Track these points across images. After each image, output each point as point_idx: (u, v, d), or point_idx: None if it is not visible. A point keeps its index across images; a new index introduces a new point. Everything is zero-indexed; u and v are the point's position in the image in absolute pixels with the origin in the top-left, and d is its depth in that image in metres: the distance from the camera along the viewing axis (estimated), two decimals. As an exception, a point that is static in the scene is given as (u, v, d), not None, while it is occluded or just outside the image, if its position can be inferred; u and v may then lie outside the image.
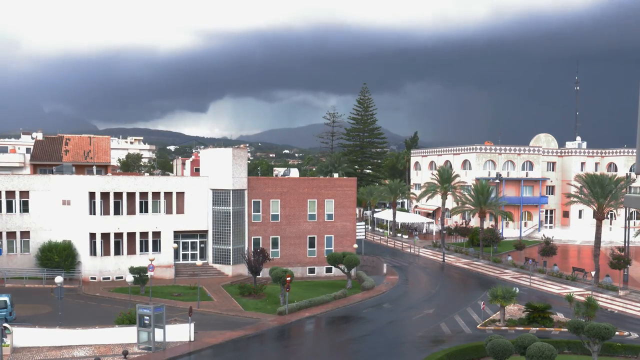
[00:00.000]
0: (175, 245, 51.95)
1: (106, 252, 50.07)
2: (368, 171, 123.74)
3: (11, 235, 49.90)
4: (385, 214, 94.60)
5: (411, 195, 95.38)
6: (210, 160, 54.09)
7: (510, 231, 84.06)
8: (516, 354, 27.05)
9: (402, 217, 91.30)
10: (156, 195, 51.85)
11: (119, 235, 50.37)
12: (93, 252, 49.89)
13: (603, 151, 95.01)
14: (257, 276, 46.76)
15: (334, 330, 38.61)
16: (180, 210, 52.45)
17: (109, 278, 49.72)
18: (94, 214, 49.84)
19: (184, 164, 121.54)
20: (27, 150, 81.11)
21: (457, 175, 77.28)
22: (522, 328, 37.49)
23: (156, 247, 51.72)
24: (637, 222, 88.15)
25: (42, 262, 48.40)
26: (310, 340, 36.96)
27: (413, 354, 32.31)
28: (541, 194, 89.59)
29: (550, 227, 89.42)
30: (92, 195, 49.75)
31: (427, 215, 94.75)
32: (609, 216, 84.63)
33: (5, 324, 30.34)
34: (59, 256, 48.26)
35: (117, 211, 50.32)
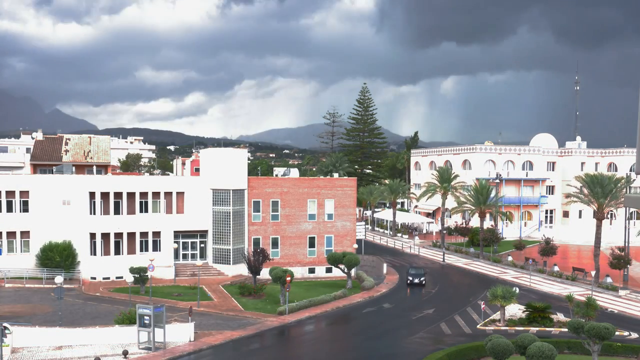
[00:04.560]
0: (175, 245, 51.95)
1: (106, 252, 50.06)
2: (368, 171, 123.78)
3: (11, 235, 49.88)
4: (385, 214, 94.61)
5: (411, 195, 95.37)
6: (210, 160, 54.08)
7: (510, 231, 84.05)
8: (516, 353, 27.06)
9: (402, 217, 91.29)
10: (156, 195, 51.85)
11: (119, 235, 50.35)
12: (93, 252, 49.88)
13: (603, 151, 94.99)
14: (257, 276, 46.76)
15: (334, 330, 38.62)
16: (180, 210, 52.46)
17: (109, 278, 49.70)
18: (94, 213, 49.85)
19: (184, 164, 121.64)
20: (27, 150, 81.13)
21: (457, 175, 77.26)
22: (522, 328, 37.51)
23: (156, 247, 51.71)
24: (637, 222, 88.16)
25: (42, 262, 48.39)
26: (310, 340, 36.93)
27: (413, 354, 32.31)
28: (541, 194, 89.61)
29: (550, 227, 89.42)
30: (92, 195, 49.76)
31: (427, 215, 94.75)
32: (609, 216, 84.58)
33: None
34: (59, 256, 48.26)
35: (117, 211, 50.32)
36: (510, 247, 69.70)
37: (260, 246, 51.29)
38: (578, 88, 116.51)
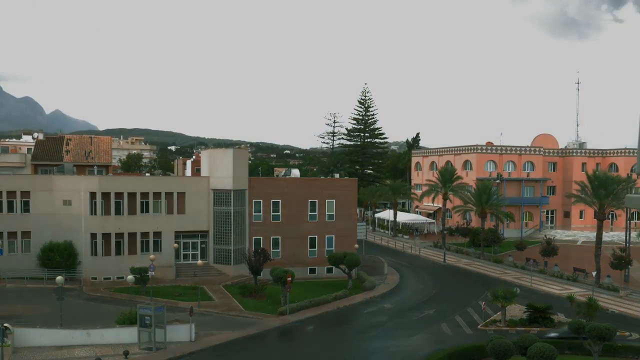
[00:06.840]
0: (176, 245, 51.93)
1: (107, 252, 50.06)
2: (369, 171, 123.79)
3: (12, 235, 49.91)
4: (386, 214, 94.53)
5: (412, 196, 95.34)
6: (211, 161, 54.06)
7: (511, 231, 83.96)
8: (517, 354, 27.06)
9: (403, 217, 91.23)
10: (157, 195, 51.84)
11: (119, 236, 50.36)
12: (94, 252, 49.90)
13: (604, 151, 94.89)
14: (258, 276, 46.74)
15: (334, 330, 38.56)
16: (181, 211, 52.44)
17: (109, 278, 49.70)
18: (95, 214, 49.85)
19: (184, 164, 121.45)
20: (28, 150, 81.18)
21: (459, 176, 77.20)
22: (523, 328, 37.48)
23: (157, 247, 51.72)
24: (638, 222, 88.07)
25: (43, 262, 48.40)
26: (311, 340, 36.90)
27: (414, 354, 32.30)
28: (542, 194, 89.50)
29: (551, 228, 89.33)
30: (93, 195, 49.76)
31: (428, 215, 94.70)
32: (609, 216, 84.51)
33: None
34: (60, 256, 48.26)
35: (118, 211, 50.32)
36: (511, 248, 69.63)
37: (261, 246, 51.22)
38: (579, 89, 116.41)
